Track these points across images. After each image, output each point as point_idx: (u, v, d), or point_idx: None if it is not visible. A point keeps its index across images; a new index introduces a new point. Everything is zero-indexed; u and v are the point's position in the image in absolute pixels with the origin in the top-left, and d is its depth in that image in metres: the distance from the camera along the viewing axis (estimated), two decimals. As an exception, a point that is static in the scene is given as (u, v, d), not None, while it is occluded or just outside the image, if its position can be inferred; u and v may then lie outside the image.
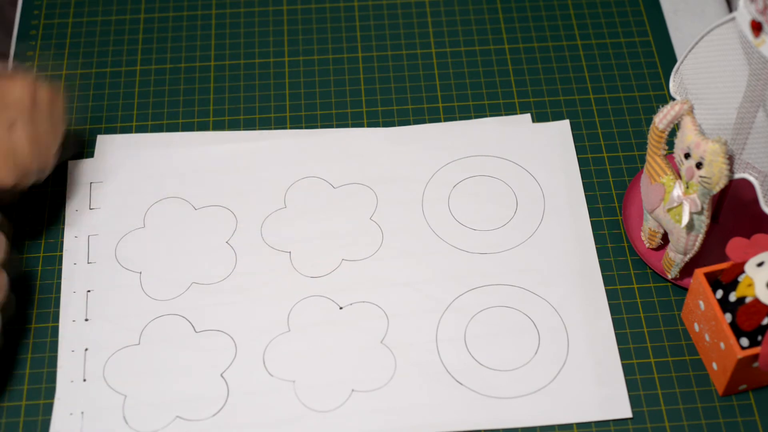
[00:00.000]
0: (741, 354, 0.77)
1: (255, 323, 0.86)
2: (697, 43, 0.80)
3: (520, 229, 0.90)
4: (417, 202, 0.92)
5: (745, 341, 0.78)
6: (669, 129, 0.81)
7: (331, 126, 0.97)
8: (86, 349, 0.85)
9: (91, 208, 0.92)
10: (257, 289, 0.88)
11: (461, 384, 0.82)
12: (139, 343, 0.85)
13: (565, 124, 0.96)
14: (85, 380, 0.83)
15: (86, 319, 0.86)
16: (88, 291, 0.88)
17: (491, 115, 0.98)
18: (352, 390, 0.82)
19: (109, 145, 0.96)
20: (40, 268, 0.90)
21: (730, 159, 0.77)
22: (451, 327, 0.85)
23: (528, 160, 0.94)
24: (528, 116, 0.97)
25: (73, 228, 0.91)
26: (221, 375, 0.83)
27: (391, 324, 0.85)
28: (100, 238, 0.91)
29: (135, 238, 0.90)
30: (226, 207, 0.92)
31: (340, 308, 0.86)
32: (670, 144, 0.82)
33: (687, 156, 0.78)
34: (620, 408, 0.81)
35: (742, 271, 0.79)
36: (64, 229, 0.91)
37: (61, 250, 0.90)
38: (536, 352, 0.83)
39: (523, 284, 0.87)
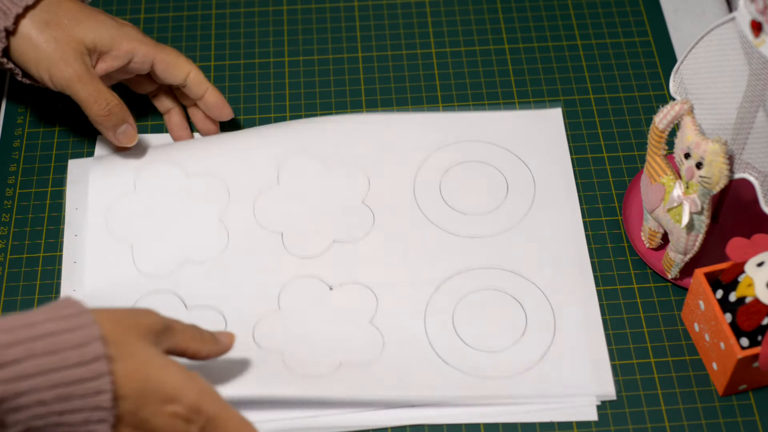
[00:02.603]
0: (741, 354, 0.77)
1: (245, 302, 0.86)
2: (697, 43, 0.80)
3: (510, 214, 0.91)
4: (409, 186, 0.92)
5: (745, 341, 0.78)
6: (669, 129, 0.81)
7: (331, 126, 0.98)
8: None
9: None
10: (249, 268, 0.88)
11: (447, 364, 0.83)
12: None
13: (557, 111, 0.96)
14: None
15: None
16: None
17: (491, 115, 0.98)
18: (340, 363, 0.82)
19: (110, 145, 0.96)
20: (40, 268, 0.90)
21: (730, 159, 0.77)
22: (439, 309, 0.86)
23: (519, 146, 0.95)
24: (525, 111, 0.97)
25: (72, 226, 0.91)
26: None
27: (380, 305, 0.86)
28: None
29: (126, 205, 0.90)
30: (219, 176, 0.91)
31: (330, 288, 0.87)
32: (670, 144, 0.82)
33: (687, 156, 0.78)
34: (605, 387, 0.81)
35: (742, 271, 0.79)
36: (64, 229, 0.91)
37: (61, 250, 0.90)
38: (523, 334, 0.84)
39: (511, 268, 0.88)
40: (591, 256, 0.89)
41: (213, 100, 0.93)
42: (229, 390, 0.80)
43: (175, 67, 0.91)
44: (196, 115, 0.95)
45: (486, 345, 0.84)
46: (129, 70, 0.91)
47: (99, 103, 0.87)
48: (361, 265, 0.88)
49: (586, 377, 0.82)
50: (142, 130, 0.97)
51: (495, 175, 0.93)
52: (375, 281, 0.87)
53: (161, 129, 0.97)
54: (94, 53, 0.88)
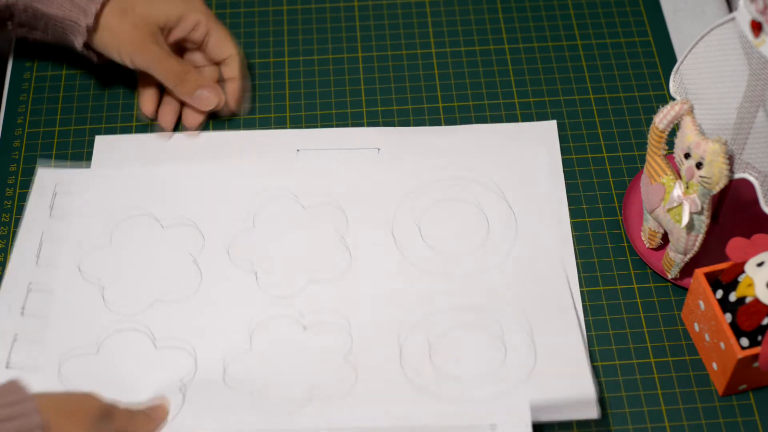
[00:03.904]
0: (741, 354, 0.77)
1: (216, 343, 0.84)
2: (697, 43, 0.80)
3: (491, 253, 0.89)
4: (388, 223, 0.91)
5: (745, 341, 0.78)
6: (669, 129, 0.81)
7: (331, 126, 0.97)
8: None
9: (51, 216, 0.91)
10: (221, 308, 0.86)
11: (422, 393, 0.81)
12: (97, 353, 0.84)
13: (542, 150, 0.94)
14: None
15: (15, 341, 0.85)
16: (22, 307, 0.86)
17: (491, 116, 0.97)
18: (311, 398, 0.81)
19: (109, 147, 0.95)
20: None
21: (730, 159, 0.77)
22: (416, 343, 0.83)
23: (502, 184, 0.92)
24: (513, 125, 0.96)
25: (23, 246, 0.89)
26: (179, 390, 0.82)
27: (355, 343, 0.84)
28: (61, 247, 0.89)
29: (100, 254, 0.89)
30: (195, 225, 0.91)
31: (304, 328, 0.85)
32: (670, 144, 0.82)
33: (687, 156, 0.79)
34: (588, 411, 0.80)
35: (742, 271, 0.79)
36: (12, 246, 0.90)
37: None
38: (503, 363, 0.82)
39: (491, 307, 0.85)
40: (591, 256, 0.89)
41: (231, 90, 0.98)
42: (196, 430, 0.79)
43: (223, 45, 0.97)
44: (186, 106, 0.98)
45: (464, 375, 0.82)
46: (188, 38, 0.96)
47: (176, 74, 0.94)
48: (335, 305, 0.86)
49: (567, 401, 0.79)
50: (140, 129, 0.97)
51: (476, 214, 0.91)
52: (349, 321, 0.85)
53: (161, 129, 0.97)
54: (165, 29, 0.95)
